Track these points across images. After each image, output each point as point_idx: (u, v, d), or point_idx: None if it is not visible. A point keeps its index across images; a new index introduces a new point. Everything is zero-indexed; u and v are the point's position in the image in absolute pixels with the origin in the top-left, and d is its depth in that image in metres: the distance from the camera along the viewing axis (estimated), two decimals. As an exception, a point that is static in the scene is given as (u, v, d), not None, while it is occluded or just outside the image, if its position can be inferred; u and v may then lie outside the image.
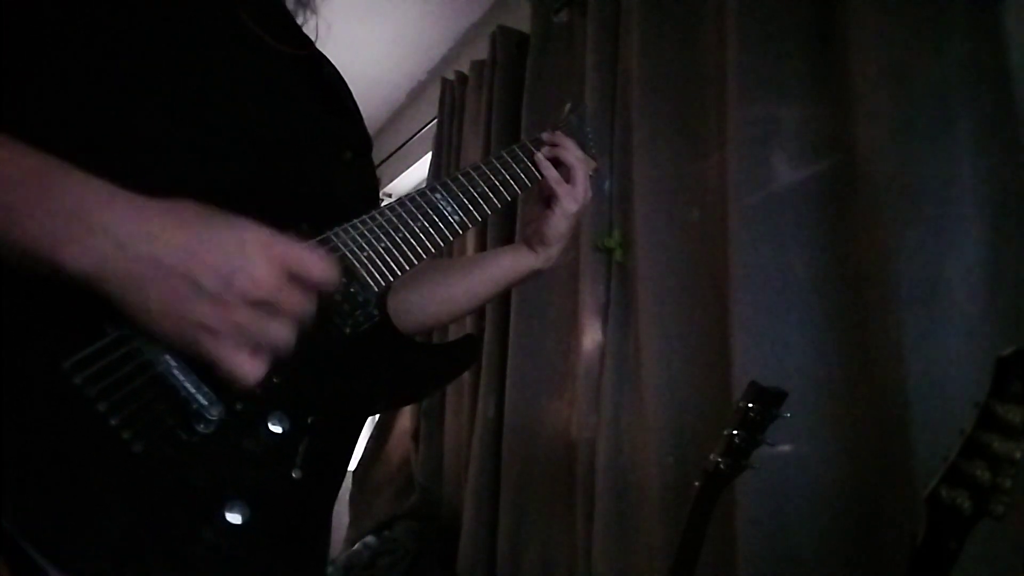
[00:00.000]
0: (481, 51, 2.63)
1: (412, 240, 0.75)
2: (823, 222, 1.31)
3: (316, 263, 0.59)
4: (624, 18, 1.86)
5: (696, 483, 1.05)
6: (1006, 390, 0.68)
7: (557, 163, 0.90)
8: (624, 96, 1.82)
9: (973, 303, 1.08)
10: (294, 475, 0.61)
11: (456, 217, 0.80)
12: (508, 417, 2.07)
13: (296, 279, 0.57)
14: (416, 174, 3.71)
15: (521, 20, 2.40)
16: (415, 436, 2.82)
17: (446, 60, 3.24)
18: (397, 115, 3.72)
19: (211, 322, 0.53)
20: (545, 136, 0.92)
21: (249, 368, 0.55)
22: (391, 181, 3.84)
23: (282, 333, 0.56)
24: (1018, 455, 0.67)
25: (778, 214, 1.35)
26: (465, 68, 2.79)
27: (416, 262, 0.75)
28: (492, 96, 2.44)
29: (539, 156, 0.90)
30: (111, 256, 0.50)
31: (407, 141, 3.42)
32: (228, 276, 0.53)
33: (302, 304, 0.57)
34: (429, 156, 3.06)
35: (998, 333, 1.04)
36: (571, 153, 0.90)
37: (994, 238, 1.07)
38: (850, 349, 1.25)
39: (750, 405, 1.03)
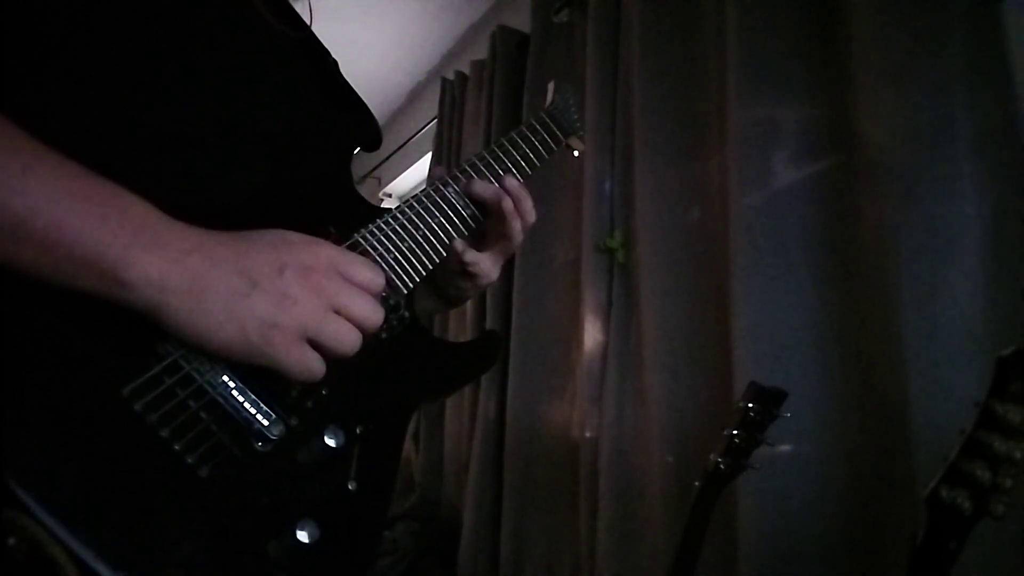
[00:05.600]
0: (481, 51, 2.63)
1: (432, 237, 0.74)
2: (823, 222, 1.31)
3: (364, 266, 0.59)
4: (624, 18, 1.86)
5: (696, 483, 1.05)
6: (1006, 390, 0.68)
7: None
8: (625, 97, 1.82)
9: (973, 303, 1.08)
10: (350, 487, 0.61)
11: (468, 211, 0.79)
12: (510, 417, 2.07)
13: (350, 280, 0.58)
14: (416, 174, 3.71)
15: (521, 20, 2.40)
16: (415, 436, 2.83)
17: (446, 60, 3.24)
18: (397, 115, 3.72)
19: (272, 316, 0.53)
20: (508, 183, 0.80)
21: (311, 360, 0.55)
22: (391, 181, 3.84)
23: (344, 330, 0.57)
24: (1018, 455, 0.67)
25: (779, 214, 1.35)
26: (465, 68, 2.79)
27: (437, 260, 0.74)
28: (492, 96, 2.44)
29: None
30: (175, 262, 0.51)
31: (407, 141, 3.42)
32: (282, 268, 0.54)
33: (359, 303, 0.58)
34: (429, 156, 3.06)
35: (998, 333, 1.05)
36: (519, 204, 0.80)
37: (994, 238, 1.08)
38: (850, 348, 1.25)
39: (750, 405, 1.03)
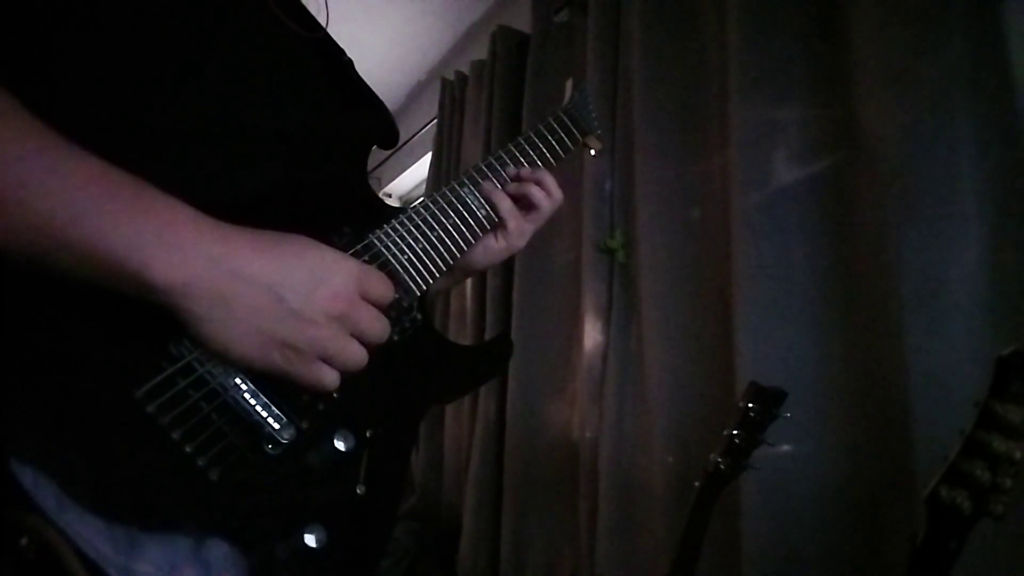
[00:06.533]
0: (481, 51, 2.63)
1: (446, 239, 0.74)
2: (824, 222, 1.31)
3: (380, 282, 0.61)
4: (625, 17, 1.86)
5: (697, 483, 1.05)
6: (1006, 390, 0.68)
7: (519, 196, 0.84)
8: (625, 96, 1.82)
9: (973, 303, 1.08)
10: (359, 491, 0.61)
11: (483, 211, 0.79)
12: (510, 417, 2.07)
13: (366, 297, 0.59)
14: (416, 174, 3.71)
15: (521, 20, 2.40)
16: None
17: (446, 60, 3.24)
18: (397, 115, 3.71)
19: (294, 338, 0.54)
20: (524, 172, 0.84)
21: (326, 376, 0.57)
22: (391, 181, 3.84)
23: (356, 352, 0.58)
24: (1018, 455, 0.67)
25: (780, 214, 1.35)
26: (465, 68, 2.79)
27: (451, 261, 0.74)
28: (492, 96, 2.44)
29: (492, 189, 0.82)
30: (203, 270, 0.50)
31: (407, 141, 3.42)
32: (311, 291, 0.55)
33: (373, 324, 0.59)
34: (429, 156, 3.07)
35: (998, 333, 1.05)
36: (545, 191, 0.85)
37: (994, 238, 1.07)
38: (851, 349, 1.25)
39: (750, 405, 1.03)
